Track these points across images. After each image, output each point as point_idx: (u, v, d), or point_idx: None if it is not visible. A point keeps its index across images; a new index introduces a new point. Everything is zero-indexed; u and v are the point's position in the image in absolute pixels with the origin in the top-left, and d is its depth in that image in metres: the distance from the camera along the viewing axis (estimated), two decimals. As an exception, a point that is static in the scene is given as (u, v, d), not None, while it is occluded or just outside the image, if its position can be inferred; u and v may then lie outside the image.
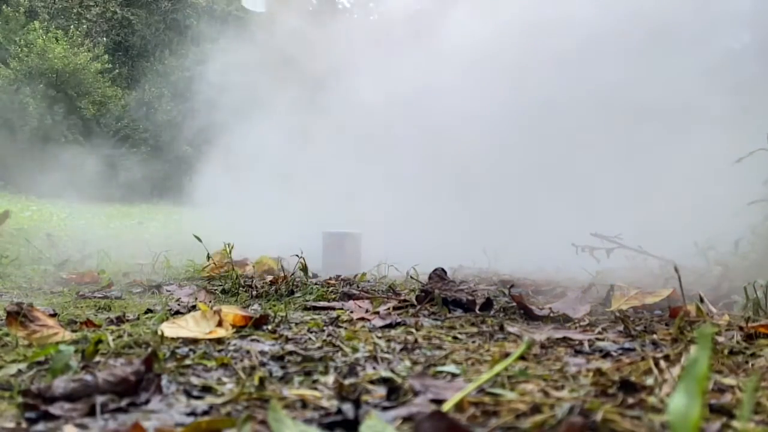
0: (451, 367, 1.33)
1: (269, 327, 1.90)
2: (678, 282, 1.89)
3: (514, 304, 2.46)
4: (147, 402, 1.04)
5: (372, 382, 1.19)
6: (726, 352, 1.56)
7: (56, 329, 1.63)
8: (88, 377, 1.04)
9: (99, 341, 1.41)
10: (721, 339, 1.75)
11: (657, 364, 1.17)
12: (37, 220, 10.56)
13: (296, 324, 2.02)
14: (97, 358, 1.35)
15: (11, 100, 19.62)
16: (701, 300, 2.02)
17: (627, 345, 1.74)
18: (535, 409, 0.95)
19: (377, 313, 2.39)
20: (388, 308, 2.50)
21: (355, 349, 1.54)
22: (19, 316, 1.59)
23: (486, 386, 1.08)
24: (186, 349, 1.51)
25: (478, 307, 2.50)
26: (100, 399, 0.99)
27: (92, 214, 12.52)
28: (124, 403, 1.00)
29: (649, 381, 1.11)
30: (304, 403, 1.04)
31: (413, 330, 1.91)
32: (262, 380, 1.17)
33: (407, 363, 1.42)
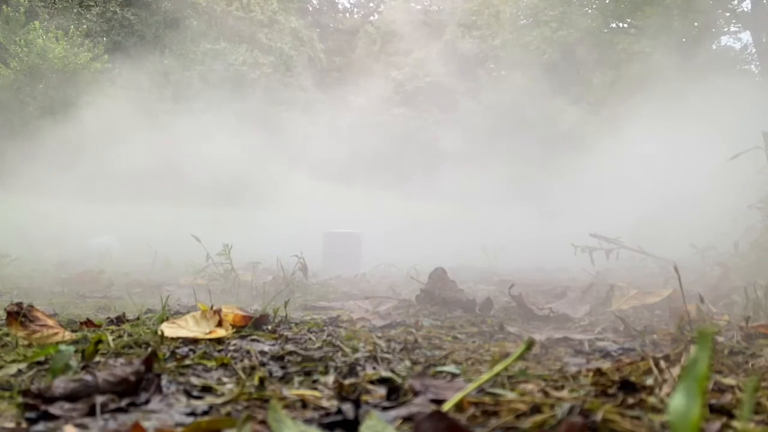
0: (451, 367, 1.33)
1: (269, 327, 1.90)
2: (678, 282, 1.90)
3: (514, 304, 2.46)
4: (147, 402, 1.04)
5: (372, 382, 1.19)
6: (726, 352, 1.56)
7: (56, 329, 1.63)
8: (88, 377, 1.04)
9: (99, 341, 1.41)
10: (721, 339, 1.75)
11: (657, 364, 1.17)
12: (37, 220, 10.55)
13: (296, 324, 2.02)
14: (97, 358, 1.35)
15: (11, 100, 19.61)
16: (701, 300, 2.02)
17: (627, 345, 1.74)
18: (535, 409, 0.95)
19: (377, 313, 2.39)
20: (388, 308, 2.50)
21: (355, 349, 1.54)
22: (19, 316, 1.59)
23: (486, 386, 1.08)
24: (186, 349, 1.51)
25: (478, 307, 2.50)
26: (100, 399, 0.99)
27: (93, 213, 12.52)
28: (124, 403, 1.00)
29: (649, 381, 1.11)
30: (304, 403, 1.04)
31: (413, 330, 1.91)
32: (262, 380, 1.17)
33: (407, 363, 1.42)
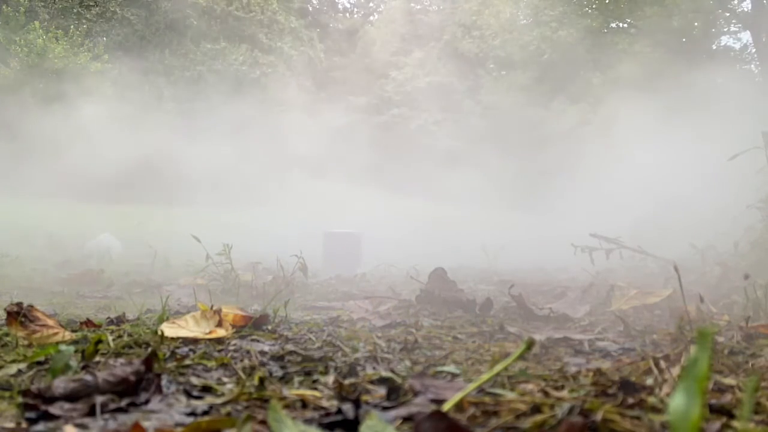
0: (451, 367, 1.33)
1: (269, 327, 1.90)
2: (678, 282, 1.90)
3: (514, 304, 2.46)
4: (147, 402, 1.04)
5: (372, 382, 1.19)
6: (726, 352, 1.56)
7: (56, 329, 1.63)
8: (88, 377, 1.04)
9: (99, 341, 1.41)
10: (721, 339, 1.75)
11: (657, 364, 1.17)
12: (37, 220, 10.55)
13: (296, 324, 2.02)
14: (97, 358, 1.35)
15: (11, 100, 19.61)
16: (701, 300, 2.02)
17: (627, 345, 1.74)
18: (535, 409, 0.95)
19: (377, 313, 2.39)
20: (388, 308, 2.50)
21: (355, 349, 1.54)
22: (19, 316, 1.59)
23: (486, 386, 1.08)
24: (186, 349, 1.51)
25: (478, 307, 2.50)
26: (100, 399, 0.99)
27: (93, 214, 12.52)
28: (124, 403, 1.00)
29: (649, 381, 1.11)
30: (304, 403, 1.04)
31: (413, 330, 1.91)
32: (262, 380, 1.17)
33: (407, 363, 1.42)
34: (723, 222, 3.99)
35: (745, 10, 18.83)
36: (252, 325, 1.85)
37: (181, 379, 1.21)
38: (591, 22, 20.88)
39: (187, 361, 1.36)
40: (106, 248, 5.80)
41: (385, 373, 1.24)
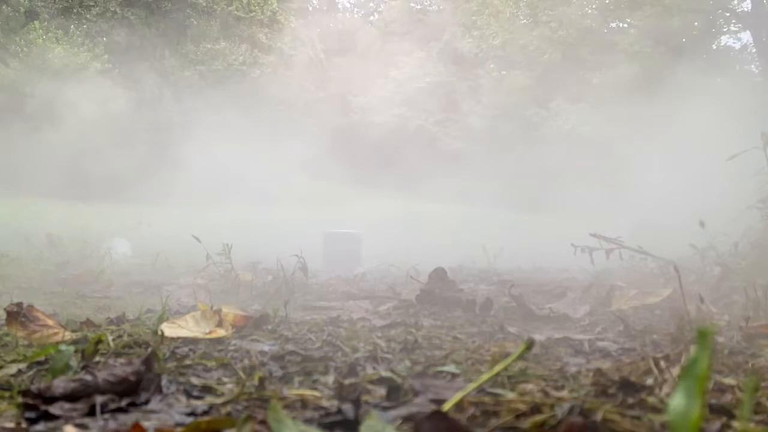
0: (451, 367, 1.33)
1: (269, 327, 1.90)
2: (678, 282, 1.89)
3: (514, 304, 2.46)
4: (147, 402, 1.04)
5: (372, 382, 1.19)
6: (726, 352, 1.56)
7: (56, 329, 1.63)
8: (88, 377, 1.04)
9: (99, 341, 1.41)
10: (721, 339, 1.75)
11: (657, 364, 1.17)
12: (37, 220, 10.55)
13: (296, 324, 2.02)
14: (97, 358, 1.35)
15: (11, 100, 19.59)
16: (701, 300, 2.02)
17: (627, 345, 1.74)
18: (535, 409, 0.95)
19: (377, 312, 2.39)
20: (388, 308, 2.50)
21: (355, 349, 1.54)
22: (19, 316, 1.59)
23: (486, 386, 1.08)
24: (186, 349, 1.51)
25: (478, 307, 2.50)
26: (100, 399, 0.99)
27: (93, 213, 12.52)
28: (124, 403, 1.00)
29: (649, 381, 1.11)
30: (304, 403, 1.04)
31: (413, 330, 1.91)
32: (262, 380, 1.17)
33: (407, 363, 1.42)
34: (723, 222, 3.98)
35: (745, 10, 18.81)
36: (252, 325, 1.85)
37: (181, 379, 1.21)
38: (591, 22, 20.88)
39: (187, 361, 1.36)
40: (107, 249, 5.79)
41: (385, 373, 1.24)
